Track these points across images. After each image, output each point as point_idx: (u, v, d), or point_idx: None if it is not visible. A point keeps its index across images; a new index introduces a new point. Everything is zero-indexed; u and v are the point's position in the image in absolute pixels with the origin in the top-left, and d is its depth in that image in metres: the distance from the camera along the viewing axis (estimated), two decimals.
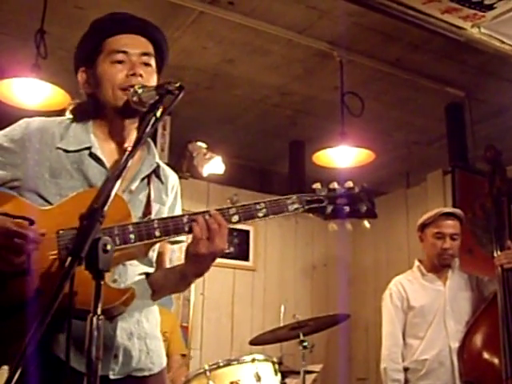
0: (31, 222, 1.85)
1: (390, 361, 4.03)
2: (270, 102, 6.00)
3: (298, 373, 4.40)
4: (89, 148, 2.08)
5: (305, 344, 4.32)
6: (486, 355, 3.86)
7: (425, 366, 3.94)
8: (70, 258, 1.42)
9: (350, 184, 2.12)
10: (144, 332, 2.09)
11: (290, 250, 7.24)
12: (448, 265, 4.14)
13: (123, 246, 1.87)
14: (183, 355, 5.10)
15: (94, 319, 1.47)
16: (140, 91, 1.94)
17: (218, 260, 2.04)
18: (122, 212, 1.94)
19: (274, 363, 3.92)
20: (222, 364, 3.79)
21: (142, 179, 2.14)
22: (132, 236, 1.88)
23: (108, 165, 2.07)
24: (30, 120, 2.13)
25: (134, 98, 1.95)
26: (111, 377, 1.97)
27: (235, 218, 1.98)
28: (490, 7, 3.97)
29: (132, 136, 2.16)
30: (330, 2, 4.45)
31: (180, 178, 6.82)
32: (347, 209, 2.09)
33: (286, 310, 5.27)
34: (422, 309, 4.03)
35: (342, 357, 7.16)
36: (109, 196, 1.55)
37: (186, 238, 2.11)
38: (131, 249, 1.92)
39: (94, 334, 1.46)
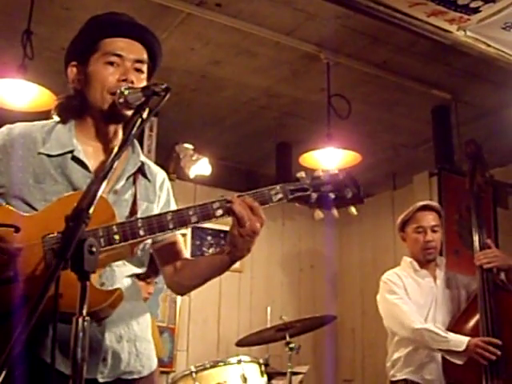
0: (16, 230, 1.85)
1: (418, 321, 3.82)
2: (257, 104, 6.00)
3: (284, 374, 4.41)
4: (71, 151, 2.06)
5: (291, 345, 4.33)
6: None
7: (417, 360, 3.88)
8: (55, 260, 1.43)
9: (334, 171, 2.09)
10: (134, 334, 2.09)
11: (277, 251, 7.25)
12: (433, 259, 4.09)
13: (108, 247, 1.87)
14: None
15: (80, 321, 1.47)
16: (126, 92, 1.94)
17: None
18: (107, 213, 1.94)
19: (260, 365, 3.93)
20: (208, 365, 3.80)
21: (127, 178, 2.13)
22: (116, 236, 1.88)
23: (92, 167, 2.06)
24: (12, 126, 2.12)
25: (120, 100, 1.95)
26: (100, 380, 1.97)
27: (219, 212, 1.98)
28: (476, 10, 3.99)
29: (117, 138, 2.16)
30: (317, 5, 4.46)
31: None
32: (332, 196, 2.04)
33: (273, 312, 5.28)
34: (418, 304, 3.97)
35: (329, 358, 7.17)
36: (94, 197, 1.56)
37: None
38: (117, 249, 1.92)
39: (79, 335, 1.46)
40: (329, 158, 5.36)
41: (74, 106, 2.17)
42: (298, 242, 7.37)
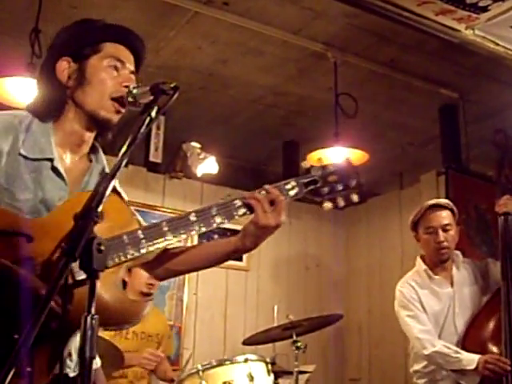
0: (29, 239, 1.80)
1: (429, 344, 3.70)
2: (264, 103, 6.00)
3: (291, 373, 4.40)
4: (50, 160, 2.00)
5: (298, 344, 4.32)
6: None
7: (440, 372, 3.76)
8: (64, 258, 1.43)
9: (337, 162, 2.17)
10: None
11: (284, 250, 7.24)
12: (447, 259, 3.93)
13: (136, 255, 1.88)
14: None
15: (88, 319, 1.47)
16: (135, 91, 1.94)
17: None
18: (124, 214, 1.98)
19: (267, 363, 3.92)
20: (215, 364, 3.79)
21: None
22: (144, 243, 1.89)
23: (66, 178, 2.01)
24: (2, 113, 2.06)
25: (129, 98, 1.95)
26: (71, 375, 2.00)
27: (241, 211, 2.01)
28: (485, 9, 3.98)
29: (87, 145, 2.14)
30: (324, 3, 4.46)
31: (174, 177, 6.79)
32: (340, 186, 2.11)
33: (279, 311, 5.28)
34: (435, 314, 3.84)
35: (335, 357, 7.16)
36: (103, 196, 1.56)
37: None
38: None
39: (87, 333, 1.46)
40: (336, 157, 5.35)
41: (54, 103, 2.09)
42: (304, 241, 7.36)
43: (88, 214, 1.50)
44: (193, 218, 1.96)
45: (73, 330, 1.77)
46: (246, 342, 4.59)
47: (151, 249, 1.90)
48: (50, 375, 1.76)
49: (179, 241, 2.00)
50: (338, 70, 5.18)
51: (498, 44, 4.32)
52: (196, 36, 4.93)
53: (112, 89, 2.05)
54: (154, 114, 1.75)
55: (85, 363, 1.46)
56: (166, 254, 2.17)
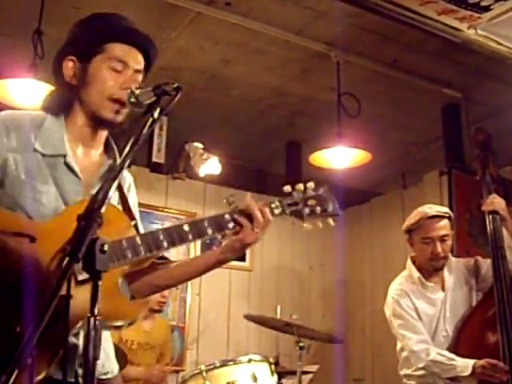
0: (32, 239, 1.82)
1: (424, 354, 3.65)
2: (267, 103, 6.00)
3: (294, 373, 4.40)
4: (63, 156, 2.04)
5: (301, 344, 4.32)
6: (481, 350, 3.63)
7: (432, 376, 3.69)
8: (67, 259, 1.43)
9: (312, 185, 2.29)
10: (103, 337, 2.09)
11: (287, 250, 7.24)
12: (441, 267, 3.86)
13: (134, 259, 1.94)
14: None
15: (92, 320, 1.47)
16: (137, 92, 1.93)
17: None
18: (121, 221, 2.01)
19: (270, 363, 3.92)
20: (218, 364, 3.79)
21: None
22: (141, 248, 1.94)
23: (79, 173, 2.05)
24: (3, 114, 2.07)
25: (132, 99, 1.95)
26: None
27: (231, 224, 2.11)
28: (487, 9, 3.98)
29: (101, 142, 2.16)
30: (326, 3, 4.46)
31: (176, 178, 6.77)
32: (318, 209, 2.26)
33: (283, 311, 5.28)
34: (429, 320, 3.80)
35: (339, 357, 7.16)
36: (105, 197, 1.56)
37: None
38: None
39: (91, 334, 1.46)
40: (339, 157, 5.35)
41: (64, 100, 2.13)
42: (307, 240, 7.36)
43: (90, 216, 1.50)
44: (186, 228, 2.02)
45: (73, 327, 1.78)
46: (249, 317, 4.62)
47: (148, 254, 1.95)
48: (49, 367, 1.76)
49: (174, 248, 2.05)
50: (341, 70, 5.18)
51: (500, 43, 4.31)
52: (198, 36, 4.94)
53: (111, 90, 2.06)
54: (156, 114, 1.76)
55: (88, 364, 1.46)
56: (150, 269, 2.19)
